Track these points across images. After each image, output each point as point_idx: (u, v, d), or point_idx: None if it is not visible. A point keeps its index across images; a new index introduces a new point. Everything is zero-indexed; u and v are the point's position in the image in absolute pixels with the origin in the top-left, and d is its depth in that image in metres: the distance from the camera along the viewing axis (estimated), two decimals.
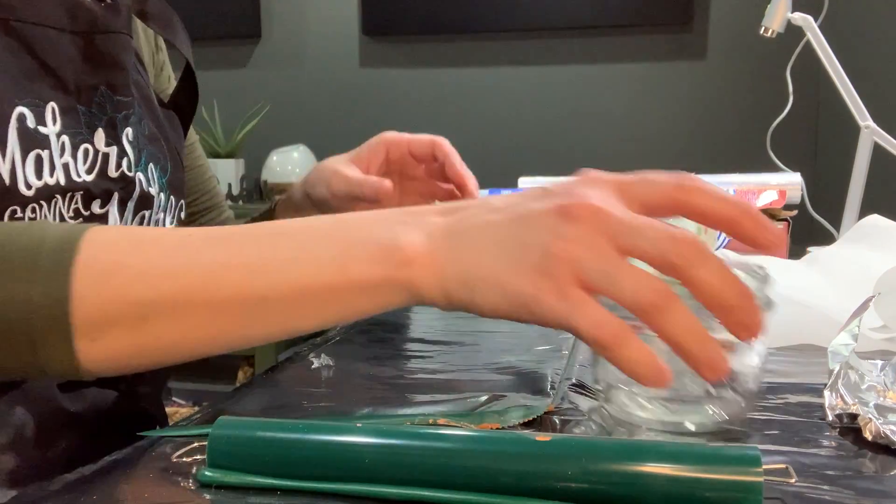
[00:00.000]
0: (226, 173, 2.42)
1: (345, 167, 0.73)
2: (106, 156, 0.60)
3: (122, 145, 0.62)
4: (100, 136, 0.60)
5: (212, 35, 2.62)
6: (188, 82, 0.75)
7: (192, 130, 0.84)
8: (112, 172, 0.61)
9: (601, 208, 0.38)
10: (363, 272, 0.41)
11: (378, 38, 2.57)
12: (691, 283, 0.37)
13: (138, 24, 0.72)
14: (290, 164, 2.45)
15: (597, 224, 0.37)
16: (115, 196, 0.61)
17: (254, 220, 0.82)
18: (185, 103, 0.76)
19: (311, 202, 0.76)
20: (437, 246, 0.41)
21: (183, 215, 0.71)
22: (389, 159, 0.75)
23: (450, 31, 2.49)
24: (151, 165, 0.66)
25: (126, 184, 0.62)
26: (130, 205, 0.63)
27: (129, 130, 0.63)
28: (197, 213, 0.88)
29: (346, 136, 2.62)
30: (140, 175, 0.64)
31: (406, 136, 0.75)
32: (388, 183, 0.68)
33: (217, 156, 2.44)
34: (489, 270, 0.39)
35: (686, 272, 0.37)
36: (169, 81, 0.80)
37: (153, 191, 0.65)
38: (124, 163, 0.62)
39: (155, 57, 0.78)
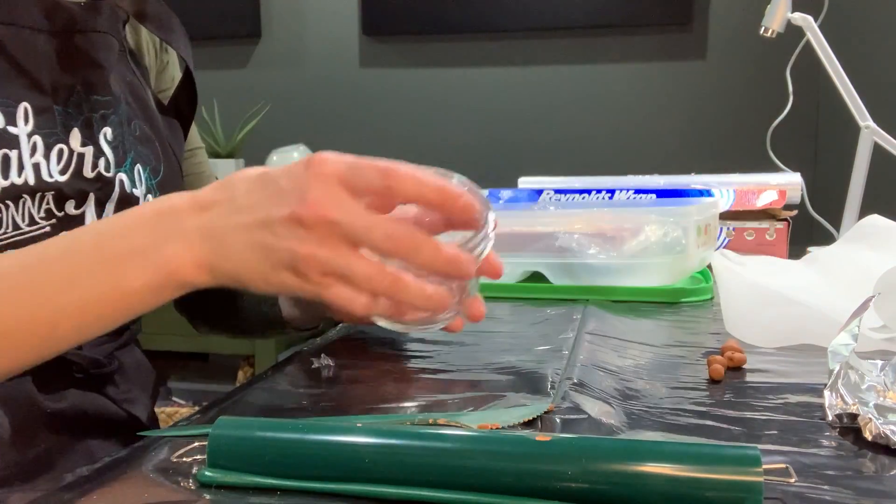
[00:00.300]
0: (226, 173, 2.41)
1: None
2: (81, 156, 0.60)
3: (99, 145, 0.61)
4: (75, 135, 0.59)
5: (212, 35, 2.62)
6: (187, 85, 0.75)
7: (195, 136, 0.83)
8: (88, 173, 0.60)
9: (330, 217, 0.45)
10: (138, 286, 0.48)
11: (378, 38, 2.57)
12: (417, 265, 0.47)
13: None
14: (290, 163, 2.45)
15: (329, 230, 0.45)
16: (91, 197, 0.60)
17: None
18: (184, 106, 0.76)
19: None
20: (199, 252, 0.47)
21: None
22: None
23: (450, 31, 2.49)
24: (139, 167, 0.65)
25: (103, 185, 0.61)
26: (110, 206, 0.62)
27: (107, 130, 0.62)
28: None
29: (346, 136, 2.63)
30: (122, 176, 0.63)
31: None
32: None
33: (217, 156, 2.44)
34: (254, 272, 0.47)
35: (409, 260, 0.47)
36: (172, 82, 0.79)
37: (138, 192, 0.64)
38: (101, 163, 0.61)
39: (159, 57, 0.77)
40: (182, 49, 0.72)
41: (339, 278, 0.46)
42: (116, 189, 0.62)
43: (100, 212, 0.61)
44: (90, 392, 0.63)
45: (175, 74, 0.80)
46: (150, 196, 0.66)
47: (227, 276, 0.48)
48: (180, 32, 0.73)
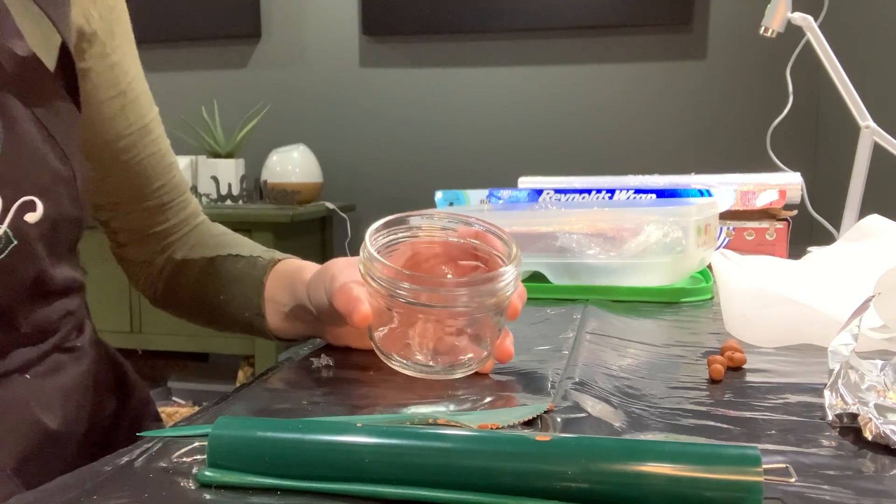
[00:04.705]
0: (226, 173, 2.42)
1: (345, 275, 0.59)
2: None
3: None
4: None
5: (212, 35, 2.62)
6: (64, 48, 0.63)
7: (142, 111, 0.73)
8: None
9: None
10: None
11: (378, 38, 2.57)
12: None
13: None
14: (290, 163, 2.45)
15: None
16: None
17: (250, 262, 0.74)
18: (69, 69, 0.64)
19: (312, 304, 0.64)
20: None
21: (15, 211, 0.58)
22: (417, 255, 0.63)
23: (450, 31, 2.49)
24: None
25: None
26: None
27: None
28: (155, 207, 0.76)
29: (346, 136, 2.63)
30: None
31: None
32: (364, 309, 0.55)
33: (217, 155, 2.44)
34: None
35: None
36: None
37: None
38: None
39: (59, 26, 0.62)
40: (52, 10, 0.60)
41: None
42: None
43: None
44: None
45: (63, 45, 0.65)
46: None
47: None
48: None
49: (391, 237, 0.60)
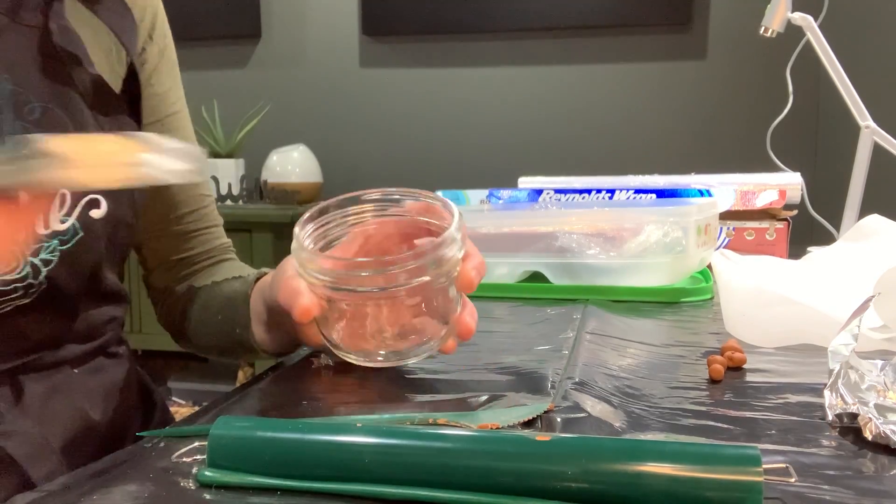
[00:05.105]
0: (226, 173, 2.42)
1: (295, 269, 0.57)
2: None
3: None
4: None
5: (212, 35, 2.62)
6: (132, 69, 0.71)
7: (167, 103, 0.76)
8: None
9: None
10: None
11: (378, 38, 2.57)
12: None
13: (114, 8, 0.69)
14: (290, 163, 2.45)
15: None
16: None
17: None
18: (134, 90, 0.71)
19: (270, 304, 0.64)
20: None
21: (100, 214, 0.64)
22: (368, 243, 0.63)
23: (450, 31, 2.49)
24: None
25: None
26: None
27: None
28: (181, 234, 0.78)
29: (346, 136, 2.63)
30: None
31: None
32: (304, 302, 0.54)
33: (217, 156, 2.44)
34: None
35: None
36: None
37: None
38: None
39: (115, 45, 0.71)
40: (113, 22, 0.68)
41: None
42: None
43: None
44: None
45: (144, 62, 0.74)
46: None
47: None
48: (117, 8, 0.68)
49: (326, 226, 0.57)
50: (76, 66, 0.64)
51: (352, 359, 0.57)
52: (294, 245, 0.54)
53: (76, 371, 0.67)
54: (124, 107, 0.69)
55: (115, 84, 0.70)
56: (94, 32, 0.68)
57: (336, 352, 0.57)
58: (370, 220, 0.59)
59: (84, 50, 0.65)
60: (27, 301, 0.61)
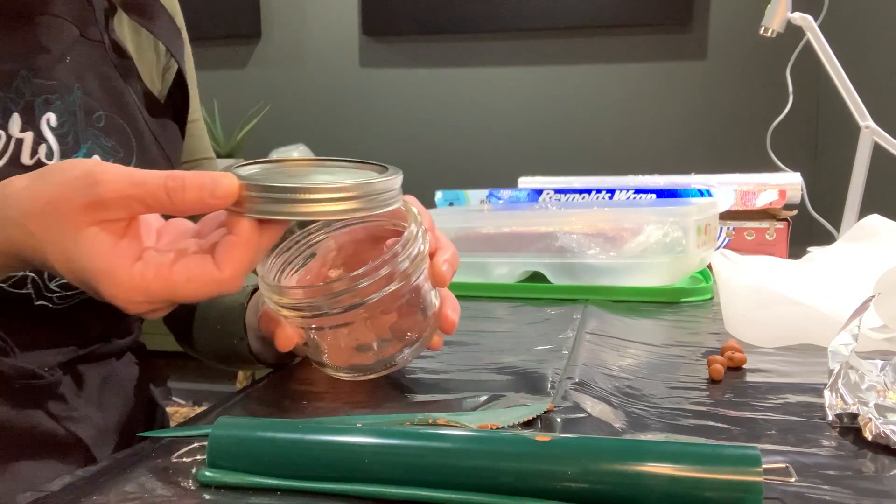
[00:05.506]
0: None
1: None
2: (20, 142, 0.58)
3: (40, 131, 0.59)
4: (15, 121, 0.58)
5: (212, 35, 2.62)
6: (179, 81, 0.74)
7: (197, 153, 0.83)
8: (26, 159, 0.58)
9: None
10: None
11: (378, 38, 2.57)
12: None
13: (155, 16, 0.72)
14: None
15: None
16: None
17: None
18: (179, 102, 0.75)
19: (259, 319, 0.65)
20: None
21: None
22: None
23: (449, 31, 2.49)
24: (98, 158, 0.62)
25: None
26: None
27: (50, 116, 0.60)
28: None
29: (346, 136, 2.63)
30: None
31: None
32: (285, 333, 0.55)
33: (217, 156, 2.44)
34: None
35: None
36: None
37: None
38: (42, 150, 0.59)
39: (165, 53, 0.76)
40: (165, 37, 0.71)
41: None
42: None
43: None
44: (24, 407, 0.60)
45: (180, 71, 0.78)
46: None
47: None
48: (166, 25, 0.72)
49: (288, 254, 0.57)
50: (129, 78, 0.68)
51: (343, 376, 0.56)
52: (259, 284, 0.53)
53: (119, 363, 0.72)
54: (170, 113, 0.73)
55: (160, 93, 0.74)
56: (138, 47, 0.73)
57: (327, 371, 0.57)
58: (336, 233, 0.59)
59: (134, 64, 0.69)
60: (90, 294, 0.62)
